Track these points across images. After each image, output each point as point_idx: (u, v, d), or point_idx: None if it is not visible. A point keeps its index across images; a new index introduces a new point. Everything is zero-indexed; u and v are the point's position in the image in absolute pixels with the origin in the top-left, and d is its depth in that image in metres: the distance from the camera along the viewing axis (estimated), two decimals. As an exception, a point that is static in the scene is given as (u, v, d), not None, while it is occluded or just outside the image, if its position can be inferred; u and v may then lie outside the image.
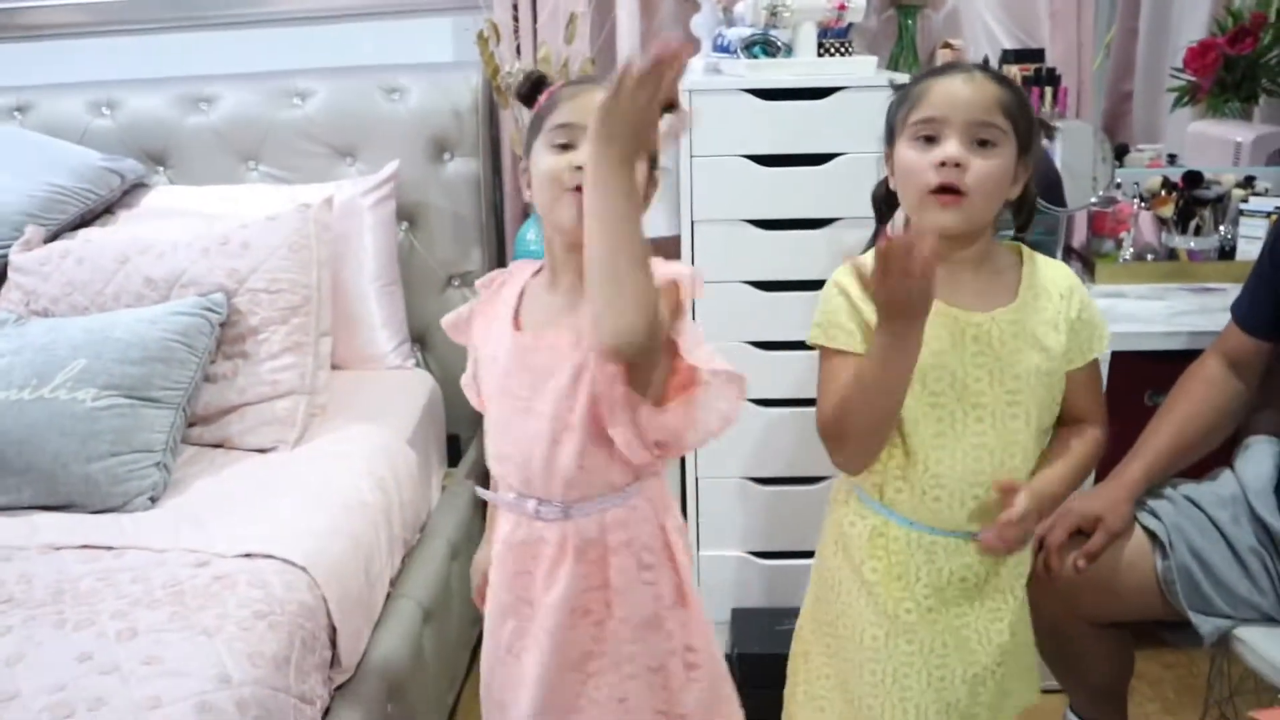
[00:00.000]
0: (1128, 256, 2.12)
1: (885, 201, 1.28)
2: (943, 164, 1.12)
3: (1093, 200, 2.03)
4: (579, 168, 1.06)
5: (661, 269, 1.07)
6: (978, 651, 1.26)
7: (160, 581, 1.36)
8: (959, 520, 1.21)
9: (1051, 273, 1.22)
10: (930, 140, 1.14)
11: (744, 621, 1.97)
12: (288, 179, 2.23)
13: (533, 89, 1.19)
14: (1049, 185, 1.99)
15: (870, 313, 1.17)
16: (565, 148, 1.11)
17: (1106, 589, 1.44)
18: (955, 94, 1.13)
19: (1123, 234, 2.13)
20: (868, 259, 1.20)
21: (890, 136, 1.22)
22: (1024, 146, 1.16)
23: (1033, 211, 1.26)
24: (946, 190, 1.13)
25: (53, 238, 2.02)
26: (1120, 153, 2.27)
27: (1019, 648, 1.31)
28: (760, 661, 1.81)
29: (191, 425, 1.78)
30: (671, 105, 0.98)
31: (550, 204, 1.12)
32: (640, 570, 1.20)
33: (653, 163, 1.13)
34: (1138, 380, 1.95)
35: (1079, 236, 2.22)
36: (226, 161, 2.26)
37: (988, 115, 1.13)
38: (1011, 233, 1.29)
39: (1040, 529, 1.43)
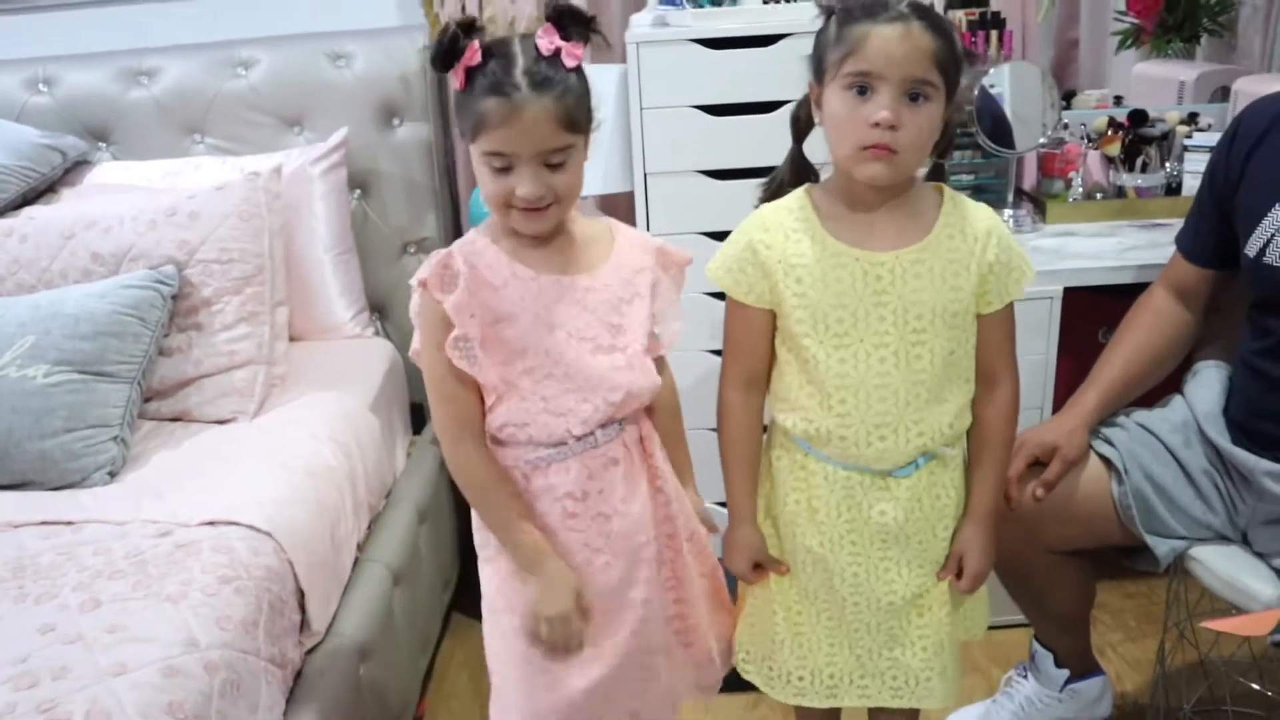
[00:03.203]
0: (1077, 196, 2.14)
1: (805, 125, 1.27)
2: (877, 124, 1.11)
3: (1041, 142, 2.05)
4: (522, 198, 1.11)
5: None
6: (896, 583, 1.26)
7: (122, 553, 1.35)
8: (868, 457, 1.22)
9: (972, 213, 1.22)
10: (862, 92, 1.12)
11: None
12: (235, 150, 2.19)
13: (450, 49, 1.10)
14: (998, 129, 2.01)
15: (782, 274, 1.19)
16: (504, 171, 1.11)
17: (1065, 517, 1.47)
18: (891, 50, 1.10)
19: (1071, 174, 2.15)
20: (780, 209, 1.23)
21: (818, 70, 1.19)
22: (951, 93, 1.17)
23: (951, 141, 1.27)
24: (879, 147, 1.13)
25: (-6, 218, 1.98)
26: (1068, 97, 2.29)
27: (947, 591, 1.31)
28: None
29: (148, 400, 1.77)
30: None
31: (502, 216, 1.15)
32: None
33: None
34: (1091, 317, 1.98)
35: (1029, 178, 2.24)
36: (170, 135, 2.22)
37: (923, 71, 1.11)
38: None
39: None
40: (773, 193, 1.28)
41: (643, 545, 1.25)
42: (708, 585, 1.36)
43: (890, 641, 1.29)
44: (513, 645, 1.24)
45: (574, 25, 1.13)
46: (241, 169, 2.00)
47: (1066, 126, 2.18)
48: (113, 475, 1.59)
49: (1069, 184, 2.15)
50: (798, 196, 1.23)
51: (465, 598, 2.11)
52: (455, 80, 1.12)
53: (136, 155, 2.21)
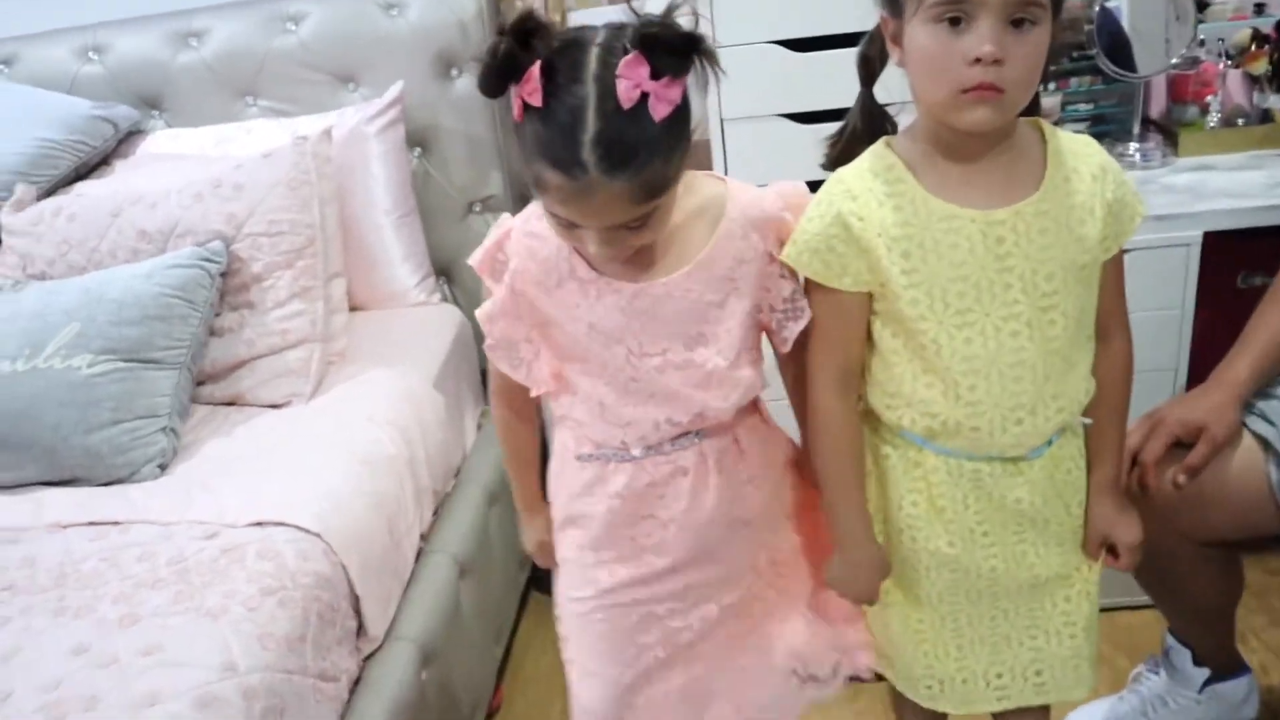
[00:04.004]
0: (1215, 123, 1.89)
1: (877, 66, 1.08)
2: (978, 60, 0.92)
3: (1172, 62, 1.80)
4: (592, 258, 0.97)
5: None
6: (1037, 565, 1.12)
7: (166, 558, 1.27)
8: (1002, 445, 1.06)
9: (1080, 149, 1.03)
10: (956, 23, 0.92)
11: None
12: (289, 111, 2.08)
13: (504, 69, 0.87)
14: (1119, 49, 1.77)
15: (885, 249, 1.00)
16: (572, 226, 0.94)
17: (1212, 505, 1.27)
18: None
19: (1208, 98, 1.89)
20: (862, 171, 1.03)
21: (894, 1, 0.99)
22: (1058, 9, 0.96)
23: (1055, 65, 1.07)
24: (983, 87, 0.93)
25: (48, 195, 1.91)
26: (1201, 8, 2.01)
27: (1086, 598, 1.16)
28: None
29: (201, 384, 1.68)
30: None
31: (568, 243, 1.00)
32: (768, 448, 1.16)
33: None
34: (1230, 262, 1.75)
35: (1157, 106, 1.99)
36: (223, 99, 2.11)
37: None
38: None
39: (1132, 443, 1.26)
40: (843, 149, 1.09)
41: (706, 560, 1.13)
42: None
43: (1032, 627, 1.15)
44: (573, 619, 1.18)
45: (668, 56, 0.86)
46: (294, 132, 1.88)
47: (1202, 43, 1.91)
48: (163, 468, 1.51)
49: (1205, 110, 1.90)
50: (879, 153, 1.04)
51: (545, 573, 2.01)
52: (514, 105, 0.90)
53: (190, 122, 2.12)
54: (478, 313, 1.07)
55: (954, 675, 1.17)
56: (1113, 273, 1.08)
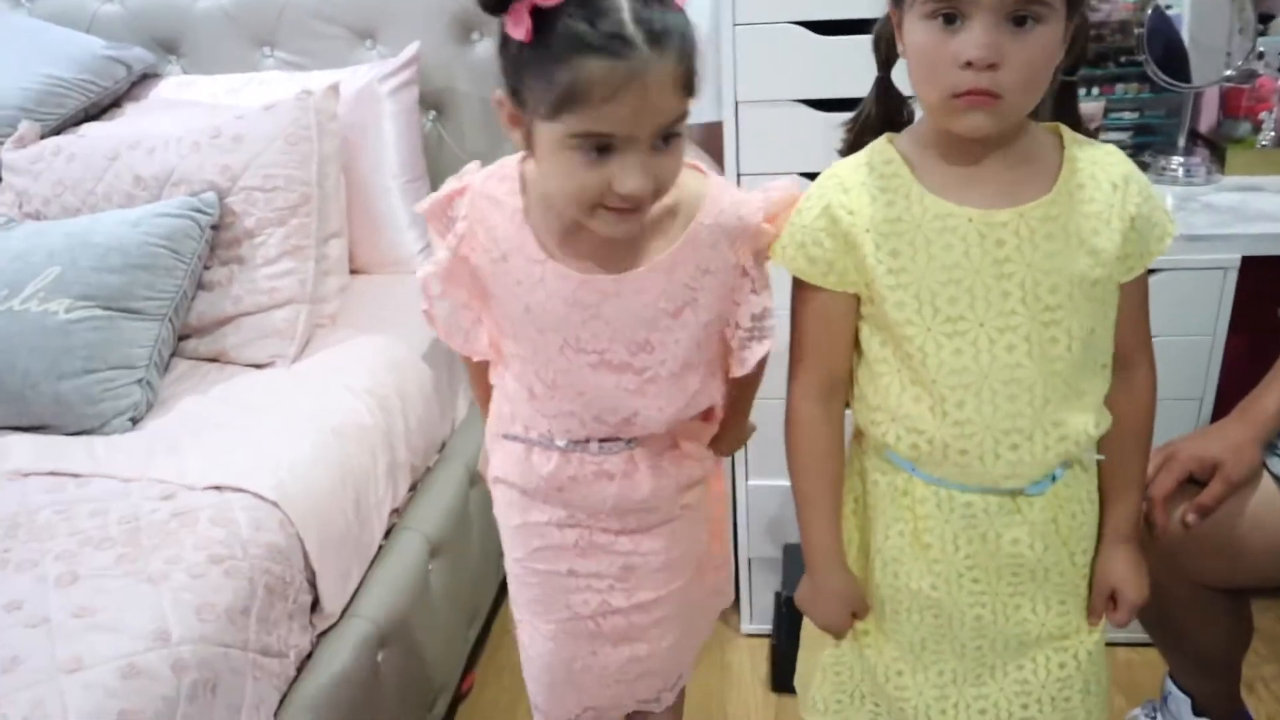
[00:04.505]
0: (1267, 141, 1.78)
1: (891, 49, 0.98)
2: (970, 63, 0.83)
3: (1227, 74, 1.69)
4: (625, 195, 0.84)
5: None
6: (1030, 622, 1.02)
7: (118, 516, 1.23)
8: (995, 476, 0.96)
9: (1101, 157, 0.93)
10: (950, 21, 0.84)
11: (797, 559, 1.76)
12: (304, 65, 2.03)
13: None
14: (1171, 58, 1.67)
15: (872, 246, 0.93)
16: (602, 151, 0.83)
17: (1224, 549, 1.19)
18: None
19: (1263, 114, 1.78)
20: (858, 165, 0.96)
21: None
22: (1074, 5, 0.87)
23: (1084, 53, 0.95)
24: (975, 93, 0.85)
25: (55, 133, 1.87)
26: (1265, 19, 1.90)
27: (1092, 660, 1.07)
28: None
29: (186, 337, 1.64)
30: None
31: (579, 213, 0.88)
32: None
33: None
34: (1268, 289, 1.65)
35: (1207, 119, 1.88)
36: (240, 48, 2.07)
37: None
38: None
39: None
40: (856, 137, 1.01)
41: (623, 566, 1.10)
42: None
43: (1022, 695, 1.05)
44: (513, 578, 1.17)
45: None
46: (307, 86, 1.83)
47: (1261, 56, 1.80)
48: (134, 422, 1.46)
49: (1258, 126, 1.79)
50: (879, 147, 0.96)
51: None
52: (513, 27, 0.79)
53: (206, 69, 2.08)
54: (418, 274, 1.00)
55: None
56: (1136, 296, 0.98)
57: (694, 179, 0.96)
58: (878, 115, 1.00)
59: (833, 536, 1.06)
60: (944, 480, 0.98)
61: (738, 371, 1.01)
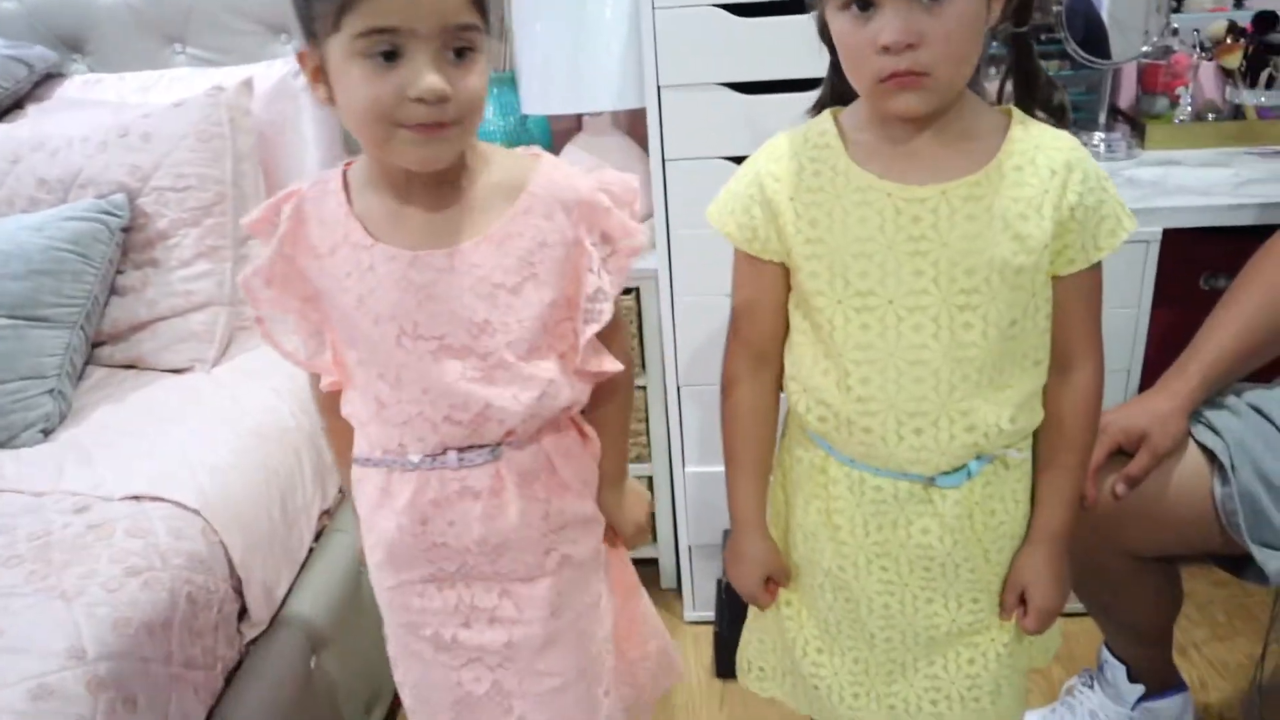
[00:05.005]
0: (1185, 116, 1.81)
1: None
2: (886, 48, 0.83)
3: (1144, 51, 1.72)
4: (419, 99, 0.79)
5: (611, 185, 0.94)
6: (940, 616, 1.01)
7: (28, 532, 1.17)
8: (900, 460, 0.95)
9: (1047, 141, 0.90)
10: (864, 7, 0.83)
11: (737, 546, 1.75)
12: (217, 61, 1.96)
13: None
14: (1091, 35, 1.69)
15: (792, 215, 0.93)
16: (390, 58, 0.79)
17: (1152, 519, 1.20)
18: None
19: (1179, 90, 1.82)
20: (797, 135, 0.95)
21: None
22: None
23: (1028, 5, 0.92)
24: (899, 75, 0.84)
25: (-48, 137, 1.79)
26: (1178, -2, 1.94)
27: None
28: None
29: (100, 344, 1.58)
30: None
31: (379, 141, 0.83)
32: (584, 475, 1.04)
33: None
34: (1191, 261, 1.68)
35: (1127, 95, 1.91)
36: (149, 45, 1.99)
37: None
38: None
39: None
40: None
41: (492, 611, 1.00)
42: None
43: (932, 690, 1.04)
44: (391, 644, 1.08)
45: None
46: (221, 83, 1.77)
47: (1175, 32, 1.83)
48: (46, 433, 1.41)
49: (1175, 102, 1.82)
50: (822, 119, 0.96)
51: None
52: None
53: (113, 67, 1.99)
54: (239, 278, 0.95)
55: (852, 707, 1.08)
56: (1079, 292, 0.94)
57: (527, 160, 0.94)
58: (831, 98, 0.99)
59: (754, 502, 1.06)
60: (856, 462, 0.98)
61: (578, 358, 0.95)
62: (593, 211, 0.92)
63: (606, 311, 0.94)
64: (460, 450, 0.94)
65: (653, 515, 1.87)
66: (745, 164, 0.98)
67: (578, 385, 0.97)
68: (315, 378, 1.02)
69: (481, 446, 0.94)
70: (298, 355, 0.98)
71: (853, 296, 0.92)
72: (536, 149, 0.96)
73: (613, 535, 1.09)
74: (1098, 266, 0.94)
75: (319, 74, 0.85)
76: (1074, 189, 0.89)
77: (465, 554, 0.97)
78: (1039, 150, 0.90)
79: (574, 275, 0.93)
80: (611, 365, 0.97)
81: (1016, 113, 0.93)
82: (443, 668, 1.02)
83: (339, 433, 1.03)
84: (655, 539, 1.89)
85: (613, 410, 1.05)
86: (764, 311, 1.00)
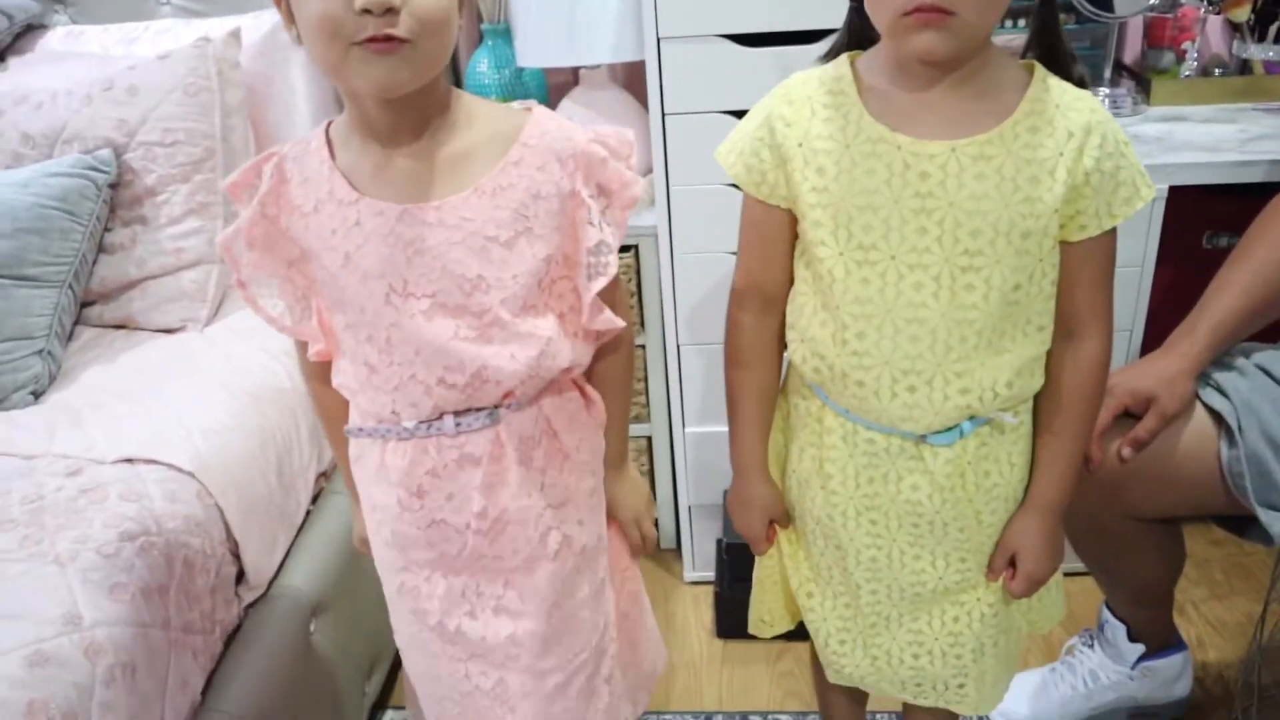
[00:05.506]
0: (1191, 72, 1.78)
1: None
2: None
3: (1150, 4, 1.68)
4: (366, 10, 0.75)
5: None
6: (926, 574, 1.01)
7: (20, 495, 1.15)
8: (892, 415, 0.94)
9: (1069, 102, 0.87)
10: None
11: (737, 506, 1.75)
12: (203, 12, 1.91)
13: None
14: (1097, -13, 1.66)
15: (801, 161, 0.90)
16: None
17: (1158, 481, 1.19)
18: None
19: (1185, 44, 1.79)
20: (811, 78, 0.93)
21: None
22: None
23: None
24: (924, 9, 0.81)
25: (-70, 90, 1.74)
26: (1187, -53, 1.90)
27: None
28: (751, 552, 1.60)
29: (89, 304, 1.56)
30: None
31: (334, 63, 0.78)
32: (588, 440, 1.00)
33: None
34: (1195, 219, 1.66)
35: (1132, 50, 1.88)
36: (133, -6, 1.94)
37: None
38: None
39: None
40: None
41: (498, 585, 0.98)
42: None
43: (914, 644, 1.05)
44: (399, 633, 1.07)
45: None
46: (208, 33, 1.72)
47: (1184, -16, 1.80)
48: (36, 395, 1.38)
49: (1181, 57, 1.79)
50: (838, 64, 0.93)
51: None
52: None
53: (96, 18, 1.94)
54: (218, 239, 0.91)
55: (835, 663, 1.10)
56: (1090, 260, 0.92)
57: (519, 113, 0.90)
58: (851, 41, 0.96)
59: (755, 446, 1.06)
60: (850, 413, 0.97)
61: (584, 316, 0.92)
62: (589, 162, 0.89)
63: (612, 265, 0.91)
64: (457, 415, 0.91)
65: (652, 484, 1.86)
66: (758, 104, 0.96)
67: (579, 346, 0.95)
68: (303, 346, 0.98)
69: (479, 410, 0.91)
70: (283, 321, 0.94)
71: (855, 250, 0.90)
72: (531, 103, 0.92)
73: (623, 540, 1.08)
74: (1111, 233, 0.92)
75: (290, 14, 0.81)
76: (1091, 153, 0.87)
77: (465, 534, 0.94)
78: (1059, 111, 0.87)
79: (570, 229, 0.89)
80: (617, 322, 0.94)
81: (1039, 70, 0.90)
82: (450, 660, 1.01)
83: (328, 404, 1.00)
84: (655, 498, 1.88)
85: (612, 369, 1.02)
86: (771, 257, 0.99)
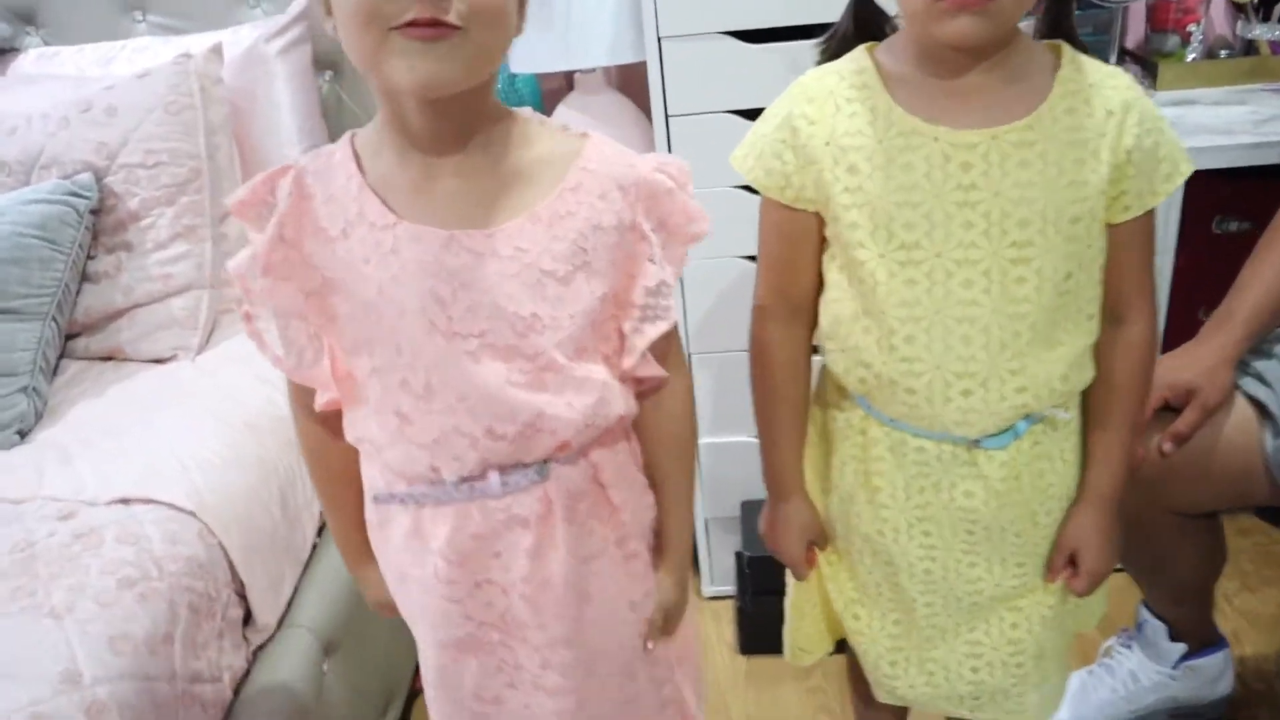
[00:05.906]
0: (1196, 54, 1.75)
1: None
2: None
3: (1155, -15, 1.65)
4: None
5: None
6: (983, 580, 0.97)
7: (10, 543, 1.09)
8: (945, 421, 0.89)
9: (1102, 80, 0.84)
10: None
11: (756, 517, 1.69)
12: (181, 29, 1.85)
13: None
14: (1100, -28, 1.62)
15: (830, 160, 0.85)
16: None
17: (1200, 474, 1.15)
18: None
19: (1190, 27, 1.75)
20: (829, 73, 0.88)
21: None
22: None
23: None
24: None
25: (-99, 119, 1.68)
26: (1185, -72, 1.86)
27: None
28: (772, 565, 1.54)
29: (75, 336, 1.49)
30: None
31: (370, 52, 0.68)
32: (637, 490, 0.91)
33: None
34: (1204, 205, 1.62)
35: (1135, 34, 1.85)
36: (107, 13, 1.87)
37: None
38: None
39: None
40: (832, 54, 0.93)
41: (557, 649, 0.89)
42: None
43: (972, 656, 1.00)
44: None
45: None
46: (186, 51, 1.66)
47: (1186, -34, 1.77)
48: (22, 435, 1.32)
49: (1187, 39, 1.76)
50: (856, 57, 0.89)
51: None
52: None
53: (70, 39, 1.88)
54: (230, 265, 0.80)
55: (887, 682, 1.05)
56: (1134, 240, 0.89)
57: (571, 138, 0.81)
58: (855, 32, 0.92)
59: (790, 464, 1.01)
60: (899, 422, 0.92)
61: (627, 361, 0.82)
62: (652, 193, 0.80)
63: (672, 310, 0.82)
64: (502, 471, 0.81)
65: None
66: (773, 105, 0.91)
67: (630, 398, 0.85)
68: (296, 387, 0.87)
69: (525, 466, 0.81)
70: (288, 362, 0.82)
71: (897, 250, 0.85)
72: (584, 131, 0.83)
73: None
74: (1151, 212, 0.89)
75: (328, 3, 0.71)
76: (1131, 131, 0.84)
77: (510, 593, 0.85)
78: (1093, 90, 0.84)
79: (625, 265, 0.80)
80: (660, 371, 0.85)
81: (1066, 49, 0.87)
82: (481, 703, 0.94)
83: (319, 445, 0.89)
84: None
85: (668, 426, 0.90)
86: (797, 264, 0.94)
